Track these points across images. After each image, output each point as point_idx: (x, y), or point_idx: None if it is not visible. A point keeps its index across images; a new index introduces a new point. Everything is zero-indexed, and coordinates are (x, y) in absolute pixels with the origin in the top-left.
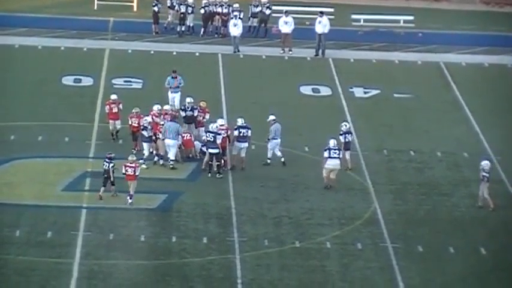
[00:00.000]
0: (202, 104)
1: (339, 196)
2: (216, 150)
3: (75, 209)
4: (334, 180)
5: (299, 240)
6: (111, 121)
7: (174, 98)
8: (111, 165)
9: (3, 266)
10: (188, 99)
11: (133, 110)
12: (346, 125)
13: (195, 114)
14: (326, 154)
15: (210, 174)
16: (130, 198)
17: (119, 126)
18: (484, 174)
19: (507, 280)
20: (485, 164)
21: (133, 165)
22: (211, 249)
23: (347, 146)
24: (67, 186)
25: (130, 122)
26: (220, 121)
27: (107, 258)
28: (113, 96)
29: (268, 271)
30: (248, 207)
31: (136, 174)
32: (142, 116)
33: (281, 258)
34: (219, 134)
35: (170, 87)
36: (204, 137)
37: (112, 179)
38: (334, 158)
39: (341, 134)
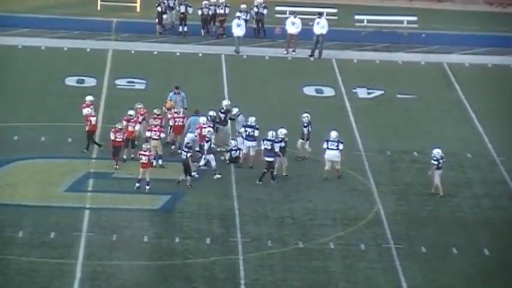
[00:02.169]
0: (170, 104)
1: (342, 197)
2: (271, 159)
3: (78, 209)
4: (339, 171)
5: (302, 241)
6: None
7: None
8: (189, 154)
9: (6, 267)
10: (225, 102)
11: (117, 126)
12: (308, 117)
13: (229, 116)
14: (325, 145)
15: (260, 182)
16: (148, 185)
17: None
18: (433, 161)
19: (511, 281)
20: (436, 152)
21: (147, 153)
22: (214, 250)
23: (308, 136)
24: (70, 187)
25: (113, 137)
26: (202, 119)
27: (110, 259)
28: (89, 97)
29: (272, 272)
30: (251, 207)
31: (151, 162)
32: (125, 131)
33: (284, 259)
34: (277, 142)
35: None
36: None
37: (189, 168)
38: (332, 149)
39: (305, 126)
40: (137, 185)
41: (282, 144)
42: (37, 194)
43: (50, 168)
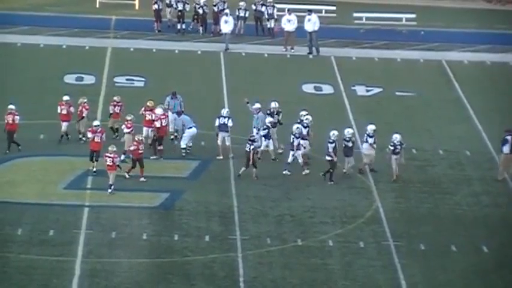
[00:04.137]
0: (150, 103)
1: (341, 194)
2: (329, 158)
3: (77, 207)
4: (362, 165)
5: (301, 239)
6: (63, 122)
7: (175, 119)
8: (252, 147)
9: (6, 265)
10: (273, 104)
11: (94, 124)
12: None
13: (280, 118)
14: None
15: (324, 175)
16: (109, 188)
17: (64, 128)
18: (390, 146)
19: (509, 278)
20: (394, 137)
21: (111, 155)
22: (213, 248)
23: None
24: (69, 185)
25: (97, 139)
26: (158, 110)
27: (109, 256)
28: (65, 98)
29: (271, 269)
30: (250, 205)
31: (116, 164)
32: (105, 130)
33: (283, 257)
34: (330, 143)
35: (170, 109)
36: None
37: (252, 161)
38: (366, 142)
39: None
40: (109, 190)
41: (350, 144)
42: (36, 192)
43: (49, 166)
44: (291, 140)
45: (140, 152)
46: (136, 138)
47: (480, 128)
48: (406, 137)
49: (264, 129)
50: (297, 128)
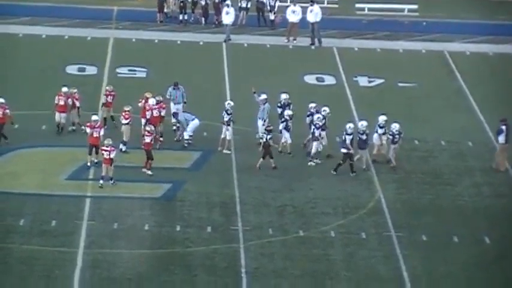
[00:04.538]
0: (148, 95)
1: (343, 185)
2: (344, 150)
3: (78, 198)
4: (383, 155)
5: (303, 229)
6: (57, 113)
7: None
8: (269, 137)
9: (7, 255)
10: (284, 96)
11: (93, 118)
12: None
13: (291, 109)
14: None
15: (335, 172)
16: (111, 180)
17: (63, 120)
18: (388, 135)
19: (511, 269)
20: (393, 126)
21: (108, 148)
22: (215, 238)
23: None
24: (71, 175)
25: (96, 134)
26: (151, 100)
27: (111, 247)
28: (64, 89)
29: (272, 260)
30: (252, 196)
31: (111, 157)
32: (102, 126)
33: (285, 247)
34: (348, 135)
35: (172, 99)
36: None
37: (264, 152)
38: (376, 133)
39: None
40: (101, 182)
41: (364, 137)
42: (38, 183)
43: (51, 157)
44: (311, 131)
45: (152, 143)
46: (148, 129)
47: (482, 119)
48: (408, 127)
49: (282, 122)
50: (318, 117)
